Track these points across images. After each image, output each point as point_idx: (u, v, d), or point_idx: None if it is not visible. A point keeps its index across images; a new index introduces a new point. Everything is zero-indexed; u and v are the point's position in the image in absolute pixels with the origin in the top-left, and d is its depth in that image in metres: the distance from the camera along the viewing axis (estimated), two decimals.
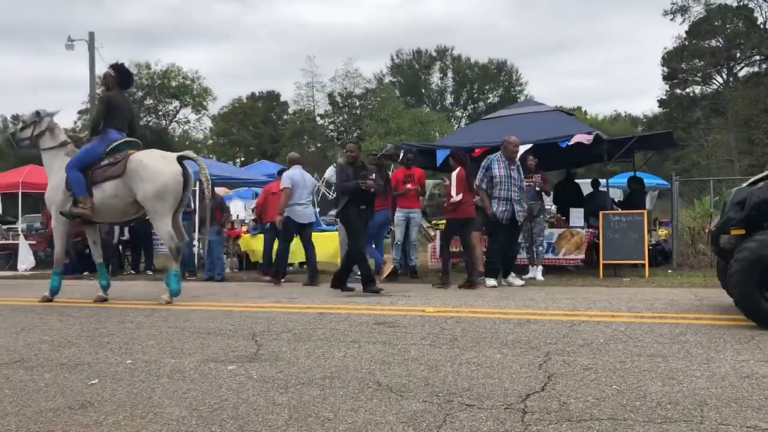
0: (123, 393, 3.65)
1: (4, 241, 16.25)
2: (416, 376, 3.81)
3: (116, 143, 8.01)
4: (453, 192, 8.80)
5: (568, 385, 3.52)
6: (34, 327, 6.08)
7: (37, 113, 8.58)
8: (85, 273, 12.87)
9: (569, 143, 10.17)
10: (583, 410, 3.08)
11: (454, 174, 8.97)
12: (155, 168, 7.67)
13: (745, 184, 5.62)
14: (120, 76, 8.30)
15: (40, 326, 6.11)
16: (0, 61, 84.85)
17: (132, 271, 13.51)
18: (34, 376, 4.11)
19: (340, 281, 8.25)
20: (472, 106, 61.19)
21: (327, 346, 4.77)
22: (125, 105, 8.51)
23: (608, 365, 3.96)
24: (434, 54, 61.71)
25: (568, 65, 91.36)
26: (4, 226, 17.63)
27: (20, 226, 17.63)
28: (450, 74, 61.86)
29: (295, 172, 10.36)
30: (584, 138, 10.06)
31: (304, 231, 10.35)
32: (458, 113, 61.35)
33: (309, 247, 10.39)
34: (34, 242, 15.40)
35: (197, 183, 10.90)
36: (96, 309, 7.30)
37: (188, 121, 58.99)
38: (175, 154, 8.02)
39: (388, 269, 10.26)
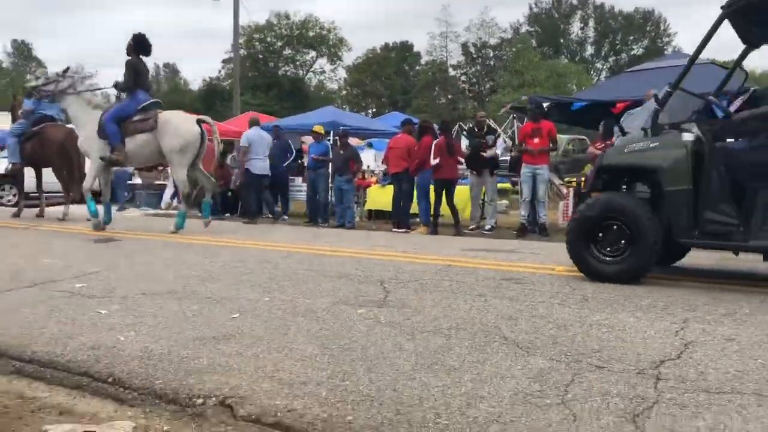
0: (261, 328, 3.89)
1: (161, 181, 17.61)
2: (543, 333, 3.76)
3: (146, 103, 9.57)
4: (431, 156, 10.58)
5: (707, 355, 3.34)
6: (182, 262, 6.59)
7: (66, 70, 10.37)
8: (226, 215, 13.72)
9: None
10: (723, 382, 2.93)
11: (434, 142, 10.69)
12: (181, 127, 9.30)
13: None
14: (137, 45, 9.58)
15: (188, 262, 6.61)
16: (154, 12, 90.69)
17: (269, 216, 14.18)
18: (183, 306, 4.46)
19: None
20: (614, 57, 58.10)
21: (453, 297, 4.81)
22: (146, 69, 9.87)
23: (753, 337, 3.71)
24: (575, 2, 58.80)
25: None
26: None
27: None
28: (591, 24, 58.86)
29: (252, 132, 12.56)
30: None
31: (262, 181, 12.56)
32: (598, 65, 58.50)
33: (266, 194, 12.84)
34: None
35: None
36: (238, 248, 7.77)
37: (323, 72, 60.43)
38: (195, 117, 9.70)
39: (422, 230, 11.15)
